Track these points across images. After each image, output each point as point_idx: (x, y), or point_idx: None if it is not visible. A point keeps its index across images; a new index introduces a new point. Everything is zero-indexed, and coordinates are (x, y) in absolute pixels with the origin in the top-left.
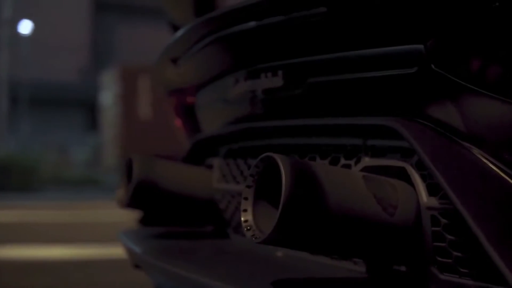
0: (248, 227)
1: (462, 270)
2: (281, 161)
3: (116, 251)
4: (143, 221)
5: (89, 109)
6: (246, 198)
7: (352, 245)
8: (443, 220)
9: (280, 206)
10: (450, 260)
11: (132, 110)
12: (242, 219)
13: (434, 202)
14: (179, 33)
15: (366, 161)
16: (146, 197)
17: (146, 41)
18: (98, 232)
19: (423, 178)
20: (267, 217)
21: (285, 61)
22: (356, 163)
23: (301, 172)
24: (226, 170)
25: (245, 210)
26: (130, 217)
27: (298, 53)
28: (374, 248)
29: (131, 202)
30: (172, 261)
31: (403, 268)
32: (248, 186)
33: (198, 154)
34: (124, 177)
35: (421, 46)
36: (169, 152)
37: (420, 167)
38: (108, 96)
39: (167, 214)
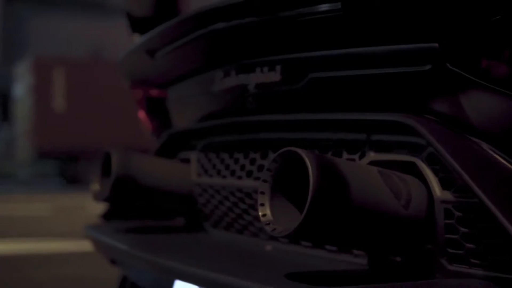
0: (268, 222)
1: (473, 261)
2: (306, 155)
3: (37, 246)
4: (106, 216)
5: (0, 101)
6: (262, 193)
7: (370, 238)
8: (457, 213)
9: (308, 200)
10: (461, 252)
11: (46, 102)
12: (260, 213)
13: (448, 195)
14: (165, 25)
15: (372, 155)
16: (125, 191)
17: (62, 32)
18: (16, 226)
19: (435, 172)
20: (285, 212)
21: (287, 55)
22: (361, 157)
23: (326, 166)
24: (207, 164)
25: (262, 205)
26: (45, 211)
27: (306, 49)
28: (389, 241)
29: (111, 197)
30: (170, 257)
31: (406, 260)
32: (265, 181)
33: (172, 147)
34: (99, 171)
35: (435, 45)
36: (85, 144)
37: (431, 161)
38: (21, 88)
39: (142, 208)
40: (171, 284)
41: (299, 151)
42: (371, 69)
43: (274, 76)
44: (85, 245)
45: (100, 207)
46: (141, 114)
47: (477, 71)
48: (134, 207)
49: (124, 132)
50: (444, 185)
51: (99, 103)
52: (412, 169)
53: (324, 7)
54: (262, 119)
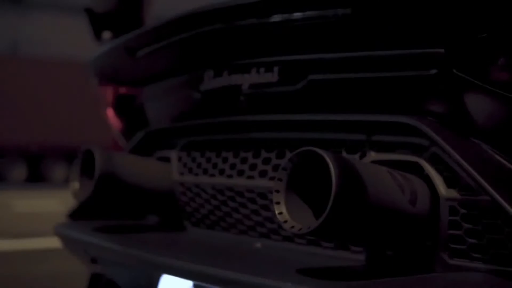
0: (285, 220)
1: (474, 255)
2: (326, 155)
3: None
4: (74, 215)
5: None
6: (277, 191)
7: (380, 234)
8: (462, 210)
9: (331, 199)
10: (463, 247)
11: None
12: (276, 211)
13: (454, 193)
14: (153, 24)
15: (373, 155)
16: (108, 190)
17: None
18: None
19: (439, 171)
20: (298, 210)
21: (285, 57)
22: (361, 157)
23: (346, 165)
24: (191, 162)
25: (277, 203)
26: None
27: (308, 51)
28: (395, 237)
29: (93, 196)
30: (166, 254)
31: (406, 255)
32: (279, 179)
33: (149, 146)
34: (79, 169)
35: (441, 50)
36: (4, 142)
37: (434, 161)
38: None
39: (124, 207)
40: (158, 280)
41: (319, 150)
42: (376, 72)
43: (271, 77)
44: (16, 244)
45: (28, 206)
46: (110, 113)
47: (482, 75)
48: (114, 206)
49: (43, 128)
50: (449, 184)
51: (18, 100)
52: (413, 169)
53: (335, 11)
54: (256, 119)
